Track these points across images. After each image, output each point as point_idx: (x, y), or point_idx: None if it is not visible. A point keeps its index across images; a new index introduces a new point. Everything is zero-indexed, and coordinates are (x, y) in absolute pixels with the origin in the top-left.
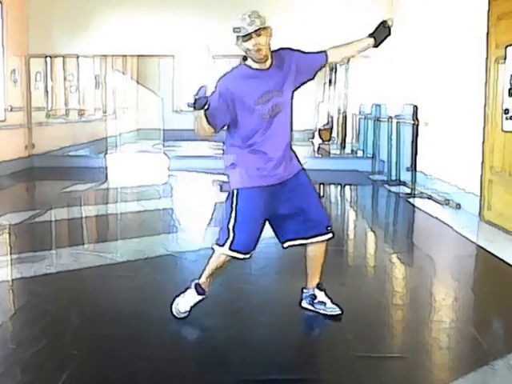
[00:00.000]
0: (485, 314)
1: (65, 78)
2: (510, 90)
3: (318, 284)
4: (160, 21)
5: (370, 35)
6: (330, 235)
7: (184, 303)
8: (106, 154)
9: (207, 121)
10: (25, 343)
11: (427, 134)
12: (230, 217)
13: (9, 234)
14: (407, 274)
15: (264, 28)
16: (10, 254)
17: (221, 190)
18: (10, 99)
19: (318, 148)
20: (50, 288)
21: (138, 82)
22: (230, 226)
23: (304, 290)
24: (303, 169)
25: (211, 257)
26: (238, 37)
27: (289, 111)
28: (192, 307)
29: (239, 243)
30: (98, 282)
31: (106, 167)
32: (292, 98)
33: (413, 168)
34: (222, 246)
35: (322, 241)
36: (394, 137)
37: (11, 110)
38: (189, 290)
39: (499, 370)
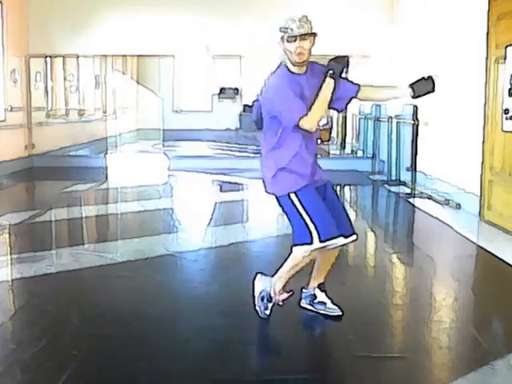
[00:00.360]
0: (485, 314)
1: (65, 78)
2: (510, 89)
3: (319, 285)
4: (160, 21)
5: (410, 85)
6: (355, 236)
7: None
8: (105, 154)
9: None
10: (25, 343)
11: (427, 134)
12: (302, 216)
13: (9, 234)
14: (407, 273)
15: (311, 34)
16: (10, 254)
17: (221, 190)
18: (10, 99)
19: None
20: (50, 288)
21: (138, 82)
22: (308, 223)
23: (304, 290)
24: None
25: (291, 260)
26: (282, 37)
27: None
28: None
29: (326, 231)
30: (98, 282)
31: (106, 167)
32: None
33: (413, 168)
34: (311, 243)
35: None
36: (393, 137)
37: (11, 110)
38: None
39: (499, 369)
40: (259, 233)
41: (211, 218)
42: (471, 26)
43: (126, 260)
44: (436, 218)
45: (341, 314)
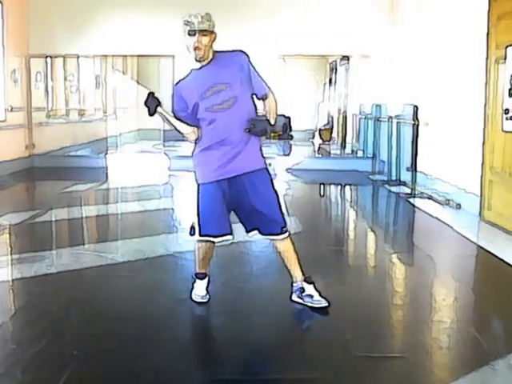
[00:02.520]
0: (485, 314)
1: (65, 78)
2: (510, 90)
3: (305, 278)
4: (160, 21)
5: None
6: (285, 235)
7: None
8: (106, 154)
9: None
10: (25, 343)
11: (427, 134)
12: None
13: (9, 234)
14: (407, 274)
15: (210, 32)
16: (11, 254)
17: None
18: (11, 99)
19: (319, 148)
20: (51, 288)
21: (138, 82)
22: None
23: (293, 284)
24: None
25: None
26: (185, 30)
27: (245, 105)
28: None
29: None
30: (99, 282)
31: (107, 167)
32: (248, 94)
33: (413, 168)
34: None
35: (278, 240)
36: (394, 137)
37: (11, 110)
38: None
39: (499, 369)
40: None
41: None
42: (471, 26)
43: (126, 260)
44: (436, 218)
45: (327, 305)
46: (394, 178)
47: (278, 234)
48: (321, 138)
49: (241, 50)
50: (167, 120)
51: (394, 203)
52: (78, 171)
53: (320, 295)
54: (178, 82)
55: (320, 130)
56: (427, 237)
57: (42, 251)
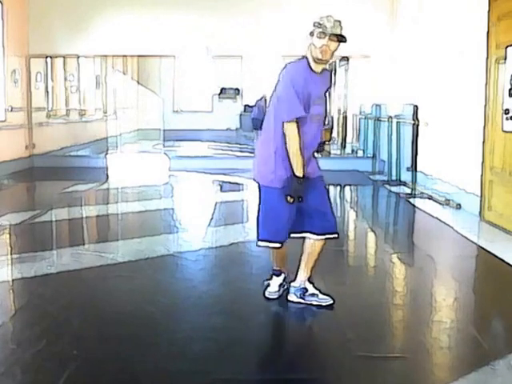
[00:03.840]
0: (485, 314)
1: (65, 79)
2: (510, 90)
3: (309, 278)
4: (160, 21)
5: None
6: (336, 235)
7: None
8: (106, 154)
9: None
10: (25, 343)
11: (427, 134)
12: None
13: (9, 234)
14: (407, 274)
15: (341, 37)
16: (11, 254)
17: (221, 190)
18: (11, 99)
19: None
20: (51, 288)
21: (138, 83)
22: None
23: (293, 284)
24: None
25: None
26: (313, 31)
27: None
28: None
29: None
30: (99, 282)
31: (107, 167)
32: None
33: (413, 168)
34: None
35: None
36: (394, 137)
37: (12, 111)
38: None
39: (500, 370)
40: None
41: (211, 218)
42: (471, 26)
43: (126, 260)
44: (436, 218)
45: (332, 302)
46: (394, 177)
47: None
48: (321, 138)
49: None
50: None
51: (394, 203)
52: (79, 171)
53: (321, 293)
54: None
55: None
56: (427, 237)
57: (43, 251)
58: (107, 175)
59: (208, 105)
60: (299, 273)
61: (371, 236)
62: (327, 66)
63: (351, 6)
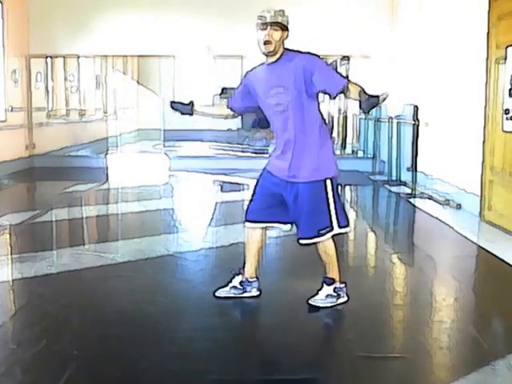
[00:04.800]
0: (485, 314)
1: (65, 79)
2: (510, 90)
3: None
4: (161, 21)
5: (363, 95)
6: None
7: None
8: (106, 154)
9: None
10: (25, 343)
11: (428, 134)
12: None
13: (9, 234)
14: (408, 274)
15: (282, 26)
16: (11, 254)
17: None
18: (11, 99)
19: None
20: (51, 288)
21: (138, 83)
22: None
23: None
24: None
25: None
26: (257, 24)
27: (298, 111)
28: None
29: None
30: (99, 282)
31: (107, 167)
32: (303, 99)
33: (413, 168)
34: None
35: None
36: (394, 137)
37: (12, 111)
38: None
39: (500, 370)
40: None
41: (212, 219)
42: (471, 26)
43: (126, 260)
44: (436, 218)
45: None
46: (394, 178)
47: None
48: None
49: (309, 52)
50: (202, 113)
51: (395, 203)
52: (79, 171)
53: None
54: (246, 74)
55: None
56: (427, 237)
57: (43, 251)
58: (107, 175)
59: (209, 105)
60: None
61: (371, 236)
62: (299, 56)
63: (351, 7)
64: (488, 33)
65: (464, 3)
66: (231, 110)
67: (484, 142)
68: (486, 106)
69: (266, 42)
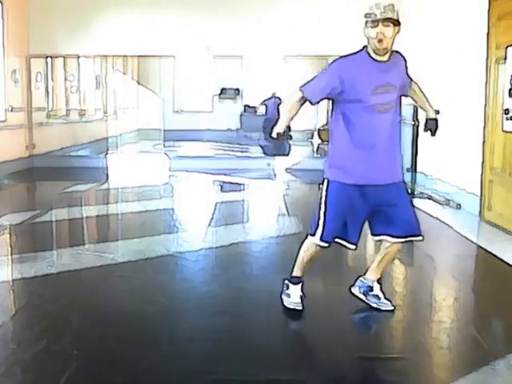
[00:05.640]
0: (485, 314)
1: (65, 79)
2: (510, 90)
3: (379, 279)
4: (161, 21)
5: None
6: (420, 238)
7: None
8: (106, 154)
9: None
10: (26, 343)
11: (427, 134)
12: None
13: (9, 234)
14: (407, 274)
15: (393, 21)
16: (11, 254)
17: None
18: (11, 99)
19: (318, 148)
20: (51, 288)
21: (138, 83)
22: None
23: (362, 279)
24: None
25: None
26: (366, 22)
27: (396, 113)
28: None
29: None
30: (99, 282)
31: (107, 167)
32: (400, 101)
33: (413, 168)
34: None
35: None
36: None
37: (12, 111)
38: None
39: (500, 370)
40: (260, 233)
41: (212, 219)
42: (471, 26)
43: (126, 260)
44: (436, 218)
45: (393, 308)
46: None
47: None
48: (320, 137)
49: (400, 53)
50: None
51: None
52: (79, 171)
53: (385, 297)
54: (340, 58)
55: (319, 130)
56: (427, 237)
57: (43, 251)
58: (107, 175)
59: (208, 105)
60: (370, 271)
61: (371, 236)
62: (397, 54)
63: (351, 7)
64: (488, 33)
65: (464, 3)
66: (310, 103)
67: (484, 141)
68: (485, 106)
69: (380, 41)
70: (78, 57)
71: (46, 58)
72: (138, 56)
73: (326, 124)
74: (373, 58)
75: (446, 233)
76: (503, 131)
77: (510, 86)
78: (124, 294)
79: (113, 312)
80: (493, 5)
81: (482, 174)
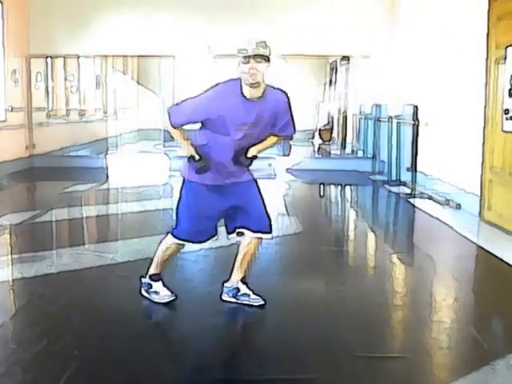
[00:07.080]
0: (485, 314)
1: (65, 79)
2: (510, 90)
3: (242, 278)
4: (161, 21)
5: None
6: (270, 235)
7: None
8: (106, 154)
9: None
10: (26, 343)
11: (427, 134)
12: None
13: (9, 234)
14: (407, 274)
15: (265, 57)
16: (11, 254)
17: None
18: (11, 99)
19: (319, 148)
20: (51, 288)
21: (138, 83)
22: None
23: (226, 285)
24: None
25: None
26: (239, 58)
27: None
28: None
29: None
30: (99, 282)
31: (107, 167)
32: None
33: (413, 168)
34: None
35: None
36: (394, 137)
37: (12, 111)
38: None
39: (499, 369)
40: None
41: None
42: (471, 26)
43: (126, 260)
44: (436, 218)
45: (263, 302)
46: (394, 178)
47: (265, 233)
48: (321, 138)
49: (283, 90)
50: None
51: (394, 203)
52: (78, 171)
53: (254, 293)
54: (216, 88)
55: (320, 130)
56: (427, 237)
57: (43, 251)
58: (107, 175)
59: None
60: (233, 273)
61: (371, 236)
62: (278, 94)
63: (351, 7)
64: (488, 33)
65: (464, 3)
66: (170, 123)
67: (484, 141)
68: (485, 106)
69: (252, 75)
70: (78, 57)
71: (46, 57)
72: (138, 56)
73: (327, 124)
74: (244, 96)
75: (446, 233)
76: (503, 131)
77: (509, 86)
78: (124, 294)
79: (112, 312)
80: (493, 5)
81: (481, 174)
